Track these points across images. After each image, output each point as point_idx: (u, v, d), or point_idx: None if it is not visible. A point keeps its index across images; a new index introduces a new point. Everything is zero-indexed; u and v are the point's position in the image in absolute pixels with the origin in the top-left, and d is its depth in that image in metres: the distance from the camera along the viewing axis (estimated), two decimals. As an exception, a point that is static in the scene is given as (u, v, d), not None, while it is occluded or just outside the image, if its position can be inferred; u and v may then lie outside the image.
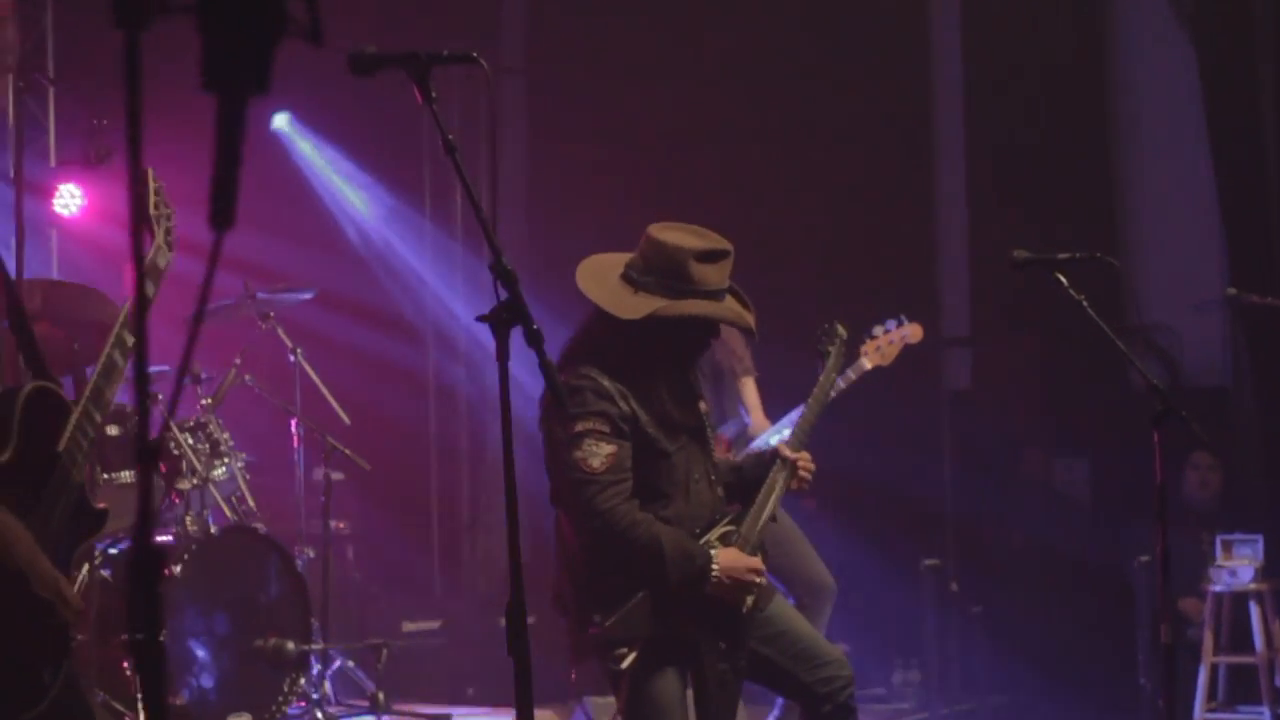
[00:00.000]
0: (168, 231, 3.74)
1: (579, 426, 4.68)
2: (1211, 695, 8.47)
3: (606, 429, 4.69)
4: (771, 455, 5.10)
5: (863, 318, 10.22)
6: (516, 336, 3.67)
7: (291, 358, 7.68)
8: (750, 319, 4.94)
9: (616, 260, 4.87)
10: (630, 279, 4.79)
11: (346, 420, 7.74)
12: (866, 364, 6.96)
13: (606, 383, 4.72)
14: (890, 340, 6.92)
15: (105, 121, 8.45)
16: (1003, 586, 9.87)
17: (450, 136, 3.70)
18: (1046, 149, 10.41)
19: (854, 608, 10.20)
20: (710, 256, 4.81)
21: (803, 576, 7.13)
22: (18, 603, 3.14)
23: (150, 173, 3.79)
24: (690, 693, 4.88)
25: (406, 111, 3.76)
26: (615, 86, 10.49)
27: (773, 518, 5.01)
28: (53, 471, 3.19)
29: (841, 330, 5.49)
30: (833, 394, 5.40)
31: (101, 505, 3.39)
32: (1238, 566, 8.37)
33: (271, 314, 7.60)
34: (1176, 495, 8.84)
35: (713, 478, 4.96)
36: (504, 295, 3.64)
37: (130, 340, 3.43)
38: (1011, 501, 10.29)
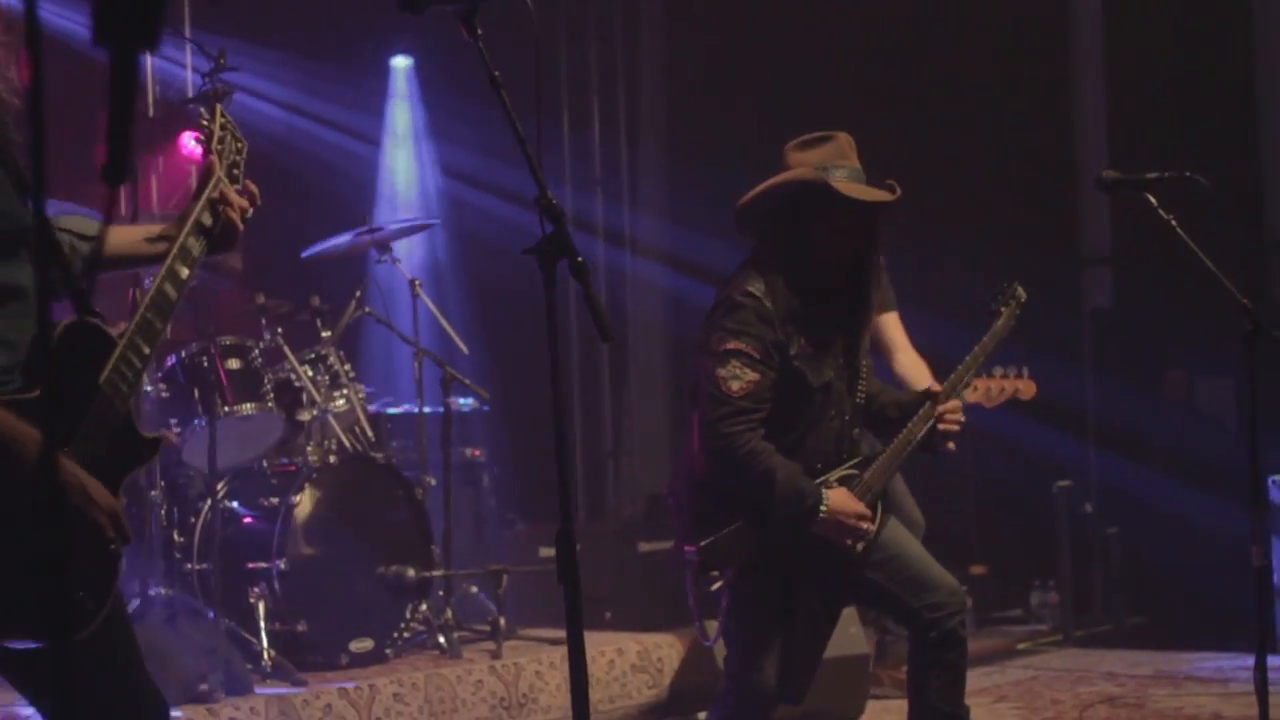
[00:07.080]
0: (234, 165, 3.73)
1: (731, 344, 4.67)
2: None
3: (756, 354, 4.66)
4: (921, 397, 5.03)
5: (1003, 242, 10.22)
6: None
7: (410, 290, 7.74)
8: (873, 193, 4.74)
9: None
10: None
11: (465, 350, 7.81)
12: (968, 396, 6.82)
13: (770, 305, 4.68)
14: (1002, 387, 6.75)
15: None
16: (1141, 507, 9.73)
17: (497, 74, 3.70)
18: (1188, 64, 10.16)
19: (993, 529, 10.17)
20: (806, 144, 4.81)
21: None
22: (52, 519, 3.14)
23: (218, 108, 3.79)
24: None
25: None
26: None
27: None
28: (92, 404, 3.24)
29: (1020, 292, 5.28)
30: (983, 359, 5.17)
31: (153, 434, 3.45)
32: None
33: (390, 246, 7.65)
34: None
35: (847, 417, 4.89)
36: (549, 229, 3.66)
37: (184, 274, 3.47)
38: (1153, 421, 10.13)
